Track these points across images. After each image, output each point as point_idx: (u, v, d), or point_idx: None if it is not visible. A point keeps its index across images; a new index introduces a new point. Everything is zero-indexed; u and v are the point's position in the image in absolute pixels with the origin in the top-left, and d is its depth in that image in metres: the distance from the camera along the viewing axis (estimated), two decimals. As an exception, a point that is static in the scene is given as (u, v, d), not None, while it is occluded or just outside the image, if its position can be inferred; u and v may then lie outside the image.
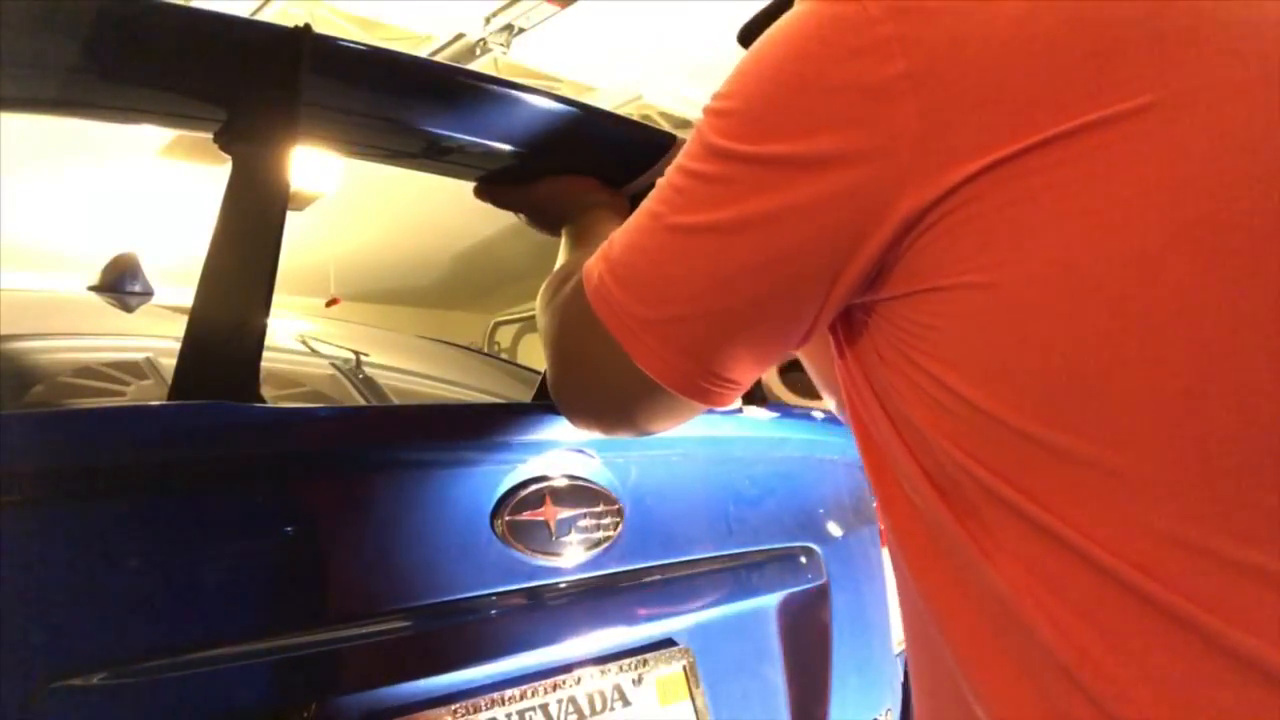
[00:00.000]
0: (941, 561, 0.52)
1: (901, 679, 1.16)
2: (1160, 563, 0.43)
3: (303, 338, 1.38)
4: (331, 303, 4.87)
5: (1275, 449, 0.42)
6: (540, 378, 0.99)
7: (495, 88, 0.93)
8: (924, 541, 0.53)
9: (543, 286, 0.74)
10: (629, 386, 0.59)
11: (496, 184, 1.00)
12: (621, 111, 1.68)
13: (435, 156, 0.96)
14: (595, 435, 0.79)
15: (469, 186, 1.02)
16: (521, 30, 3.76)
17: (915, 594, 0.54)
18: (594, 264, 0.60)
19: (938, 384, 0.48)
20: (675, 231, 0.54)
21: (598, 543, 0.85)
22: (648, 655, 0.87)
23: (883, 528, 0.55)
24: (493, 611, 0.79)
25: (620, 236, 0.59)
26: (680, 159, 0.55)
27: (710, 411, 0.63)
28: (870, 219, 0.47)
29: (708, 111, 0.54)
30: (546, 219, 0.98)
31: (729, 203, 0.51)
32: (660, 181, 0.57)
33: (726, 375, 0.57)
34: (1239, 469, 0.42)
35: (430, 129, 0.95)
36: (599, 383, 0.62)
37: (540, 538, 0.80)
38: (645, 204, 0.57)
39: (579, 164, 0.97)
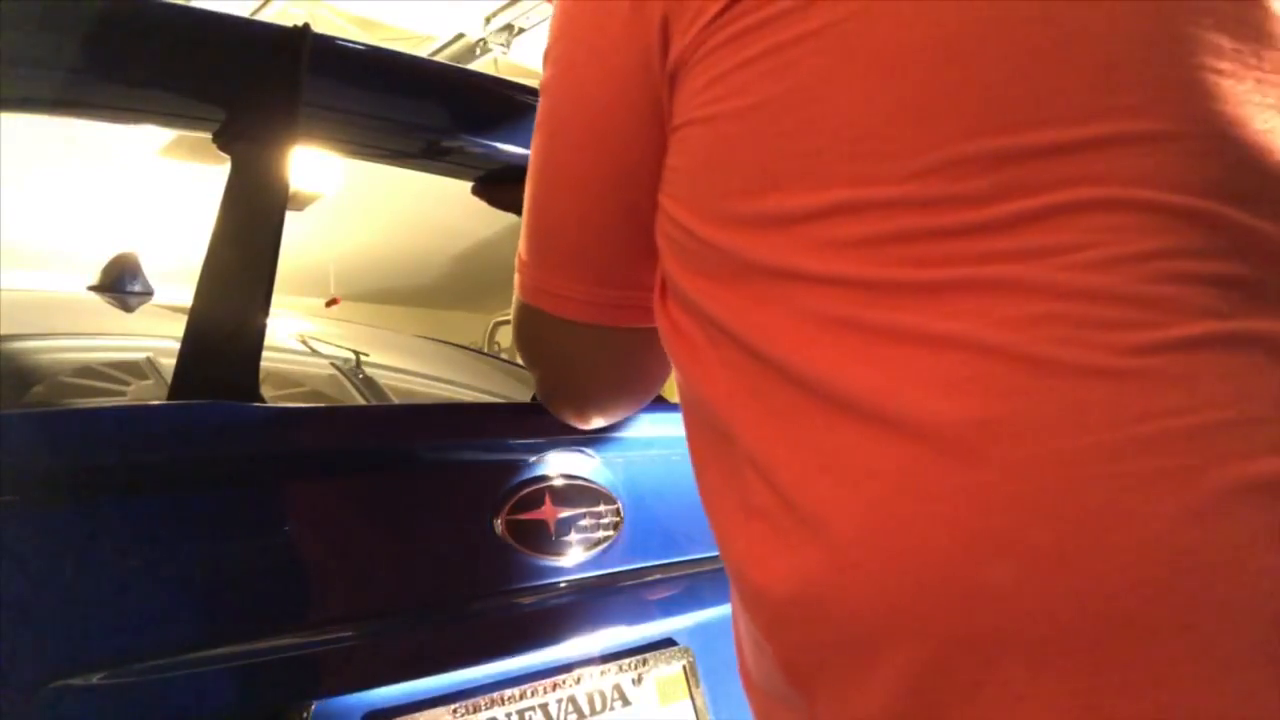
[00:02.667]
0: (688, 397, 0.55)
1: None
2: (810, 346, 0.45)
3: (303, 338, 1.38)
4: (331, 303, 4.87)
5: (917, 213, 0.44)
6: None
7: (495, 88, 0.93)
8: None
9: None
10: (581, 350, 0.62)
11: (494, 184, 1.00)
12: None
13: (435, 156, 0.96)
14: (597, 425, 0.78)
15: (469, 186, 1.02)
16: (521, 30, 3.76)
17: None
18: (517, 267, 0.63)
19: (666, 215, 0.53)
20: (530, 170, 0.60)
21: (598, 542, 0.85)
22: (648, 655, 0.87)
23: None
24: (492, 611, 0.79)
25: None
26: None
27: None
28: (649, 71, 0.52)
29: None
30: None
31: (547, 109, 0.58)
32: None
33: (635, 279, 0.59)
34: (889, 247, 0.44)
35: (430, 129, 0.95)
36: (561, 364, 0.65)
37: (540, 538, 0.80)
38: None
39: None
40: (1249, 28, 0.46)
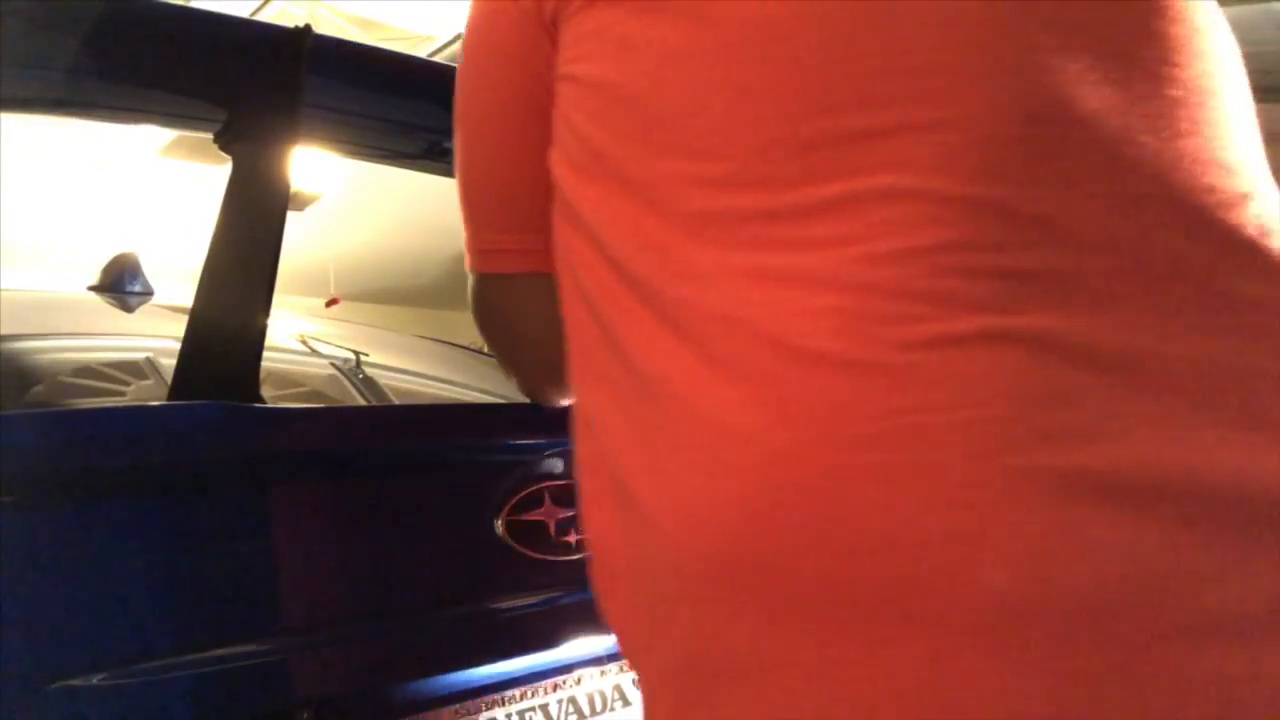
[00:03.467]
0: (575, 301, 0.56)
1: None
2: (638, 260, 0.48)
3: (303, 338, 1.38)
4: (331, 303, 4.86)
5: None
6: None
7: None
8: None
9: None
10: (527, 305, 0.62)
11: None
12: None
13: (435, 156, 0.96)
14: (566, 397, 0.78)
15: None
16: (521, 30, 3.76)
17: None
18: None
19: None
20: (454, 140, 0.62)
21: (598, 543, 0.85)
22: (648, 655, 0.87)
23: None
24: (493, 611, 0.79)
25: None
26: None
27: None
28: (533, 16, 0.54)
29: None
30: None
31: (459, 72, 0.60)
32: None
33: (537, 223, 0.60)
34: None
35: (430, 129, 0.95)
36: (517, 329, 0.66)
37: (540, 538, 0.80)
38: None
39: None
40: (1087, 7, 0.46)
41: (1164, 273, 0.42)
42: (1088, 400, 0.40)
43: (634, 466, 0.47)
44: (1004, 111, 0.43)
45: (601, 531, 0.52)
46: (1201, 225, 0.43)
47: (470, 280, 0.65)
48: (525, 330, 0.66)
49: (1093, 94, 0.44)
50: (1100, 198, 0.43)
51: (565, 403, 0.75)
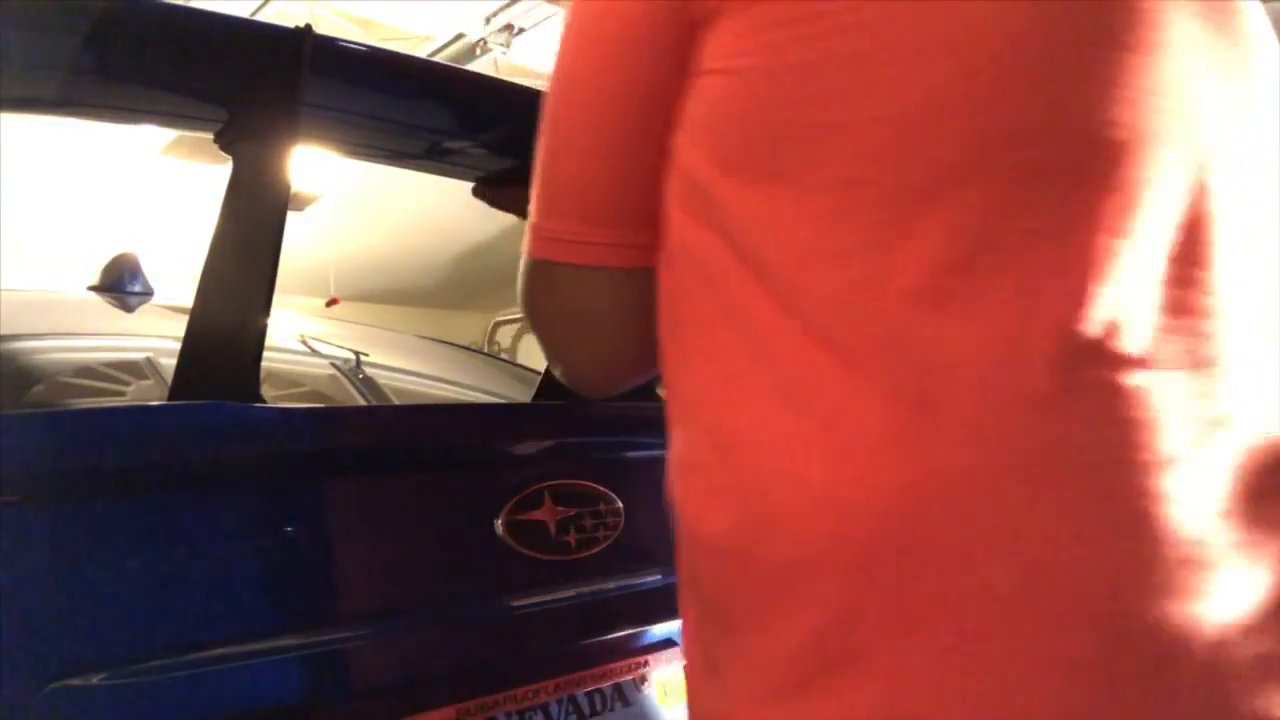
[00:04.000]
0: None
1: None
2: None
3: (303, 338, 1.38)
4: (331, 303, 4.86)
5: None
6: (540, 378, 0.99)
7: (495, 88, 0.93)
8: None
9: None
10: (597, 297, 0.62)
11: (495, 185, 1.00)
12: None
13: (435, 156, 0.96)
14: (614, 388, 0.78)
15: (469, 186, 1.02)
16: (521, 30, 3.76)
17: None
18: (527, 230, 0.63)
19: (682, 164, 0.54)
20: (545, 124, 0.60)
21: (598, 542, 0.85)
22: (649, 655, 0.87)
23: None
24: (493, 612, 0.79)
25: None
26: None
27: None
28: (676, 12, 0.52)
29: None
30: None
31: (568, 55, 0.58)
32: None
33: (651, 220, 0.59)
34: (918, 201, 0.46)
35: (430, 129, 0.95)
36: (577, 318, 0.64)
37: (540, 538, 0.80)
38: None
39: None
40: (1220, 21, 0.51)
41: None
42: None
43: (774, 457, 0.48)
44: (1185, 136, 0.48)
45: (714, 522, 0.52)
46: None
47: (529, 264, 0.63)
48: (596, 322, 0.64)
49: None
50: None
51: (613, 392, 0.75)
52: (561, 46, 0.59)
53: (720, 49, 0.51)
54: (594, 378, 0.69)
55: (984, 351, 0.44)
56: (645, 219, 0.58)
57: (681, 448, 0.55)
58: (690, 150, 0.53)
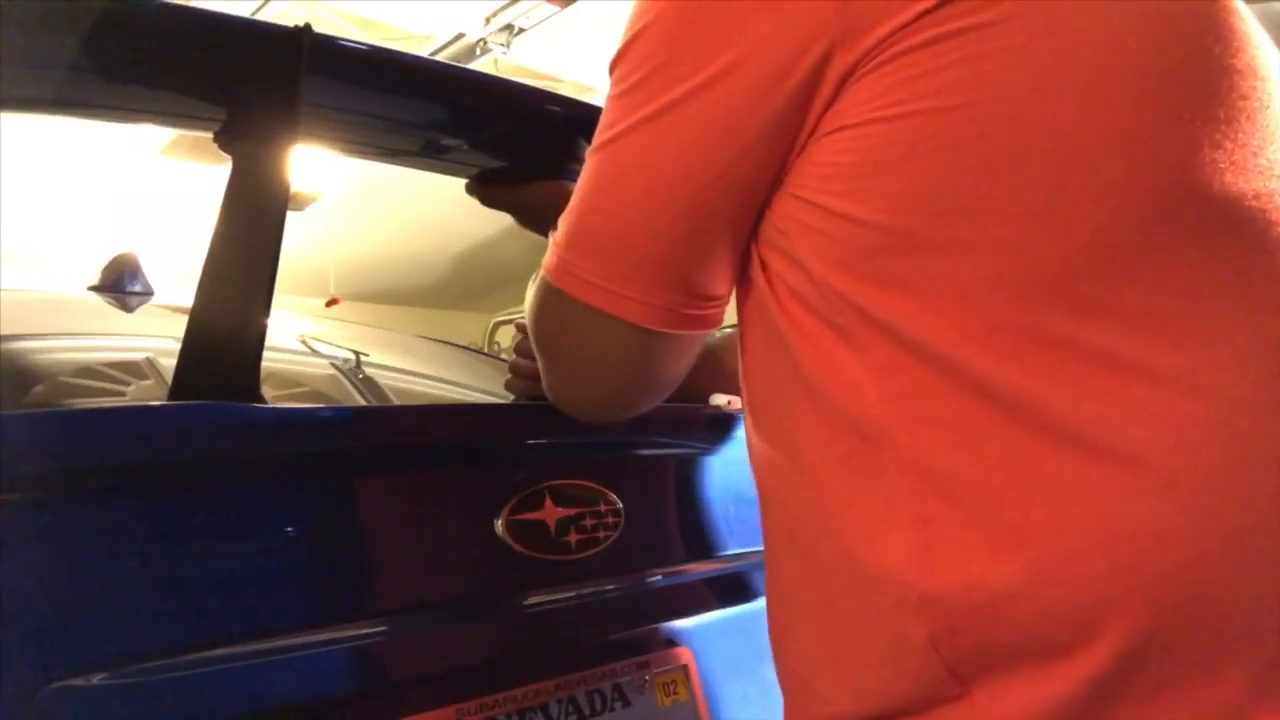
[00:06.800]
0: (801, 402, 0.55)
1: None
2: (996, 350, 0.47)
3: (303, 338, 1.38)
4: (331, 303, 4.86)
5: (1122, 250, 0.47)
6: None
7: (495, 87, 0.93)
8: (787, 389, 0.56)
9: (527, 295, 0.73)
10: (624, 349, 0.59)
11: (488, 183, 0.99)
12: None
13: (435, 156, 0.96)
14: (608, 420, 0.77)
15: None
16: (521, 30, 3.77)
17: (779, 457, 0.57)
18: (550, 251, 0.60)
19: (824, 212, 0.52)
20: (602, 149, 0.56)
21: (598, 543, 0.84)
22: (648, 655, 0.87)
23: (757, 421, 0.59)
24: (492, 612, 0.79)
25: (567, 212, 0.59)
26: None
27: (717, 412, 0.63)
28: (798, 73, 0.50)
29: (617, 55, 0.56)
30: (536, 220, 0.97)
31: (652, 96, 0.53)
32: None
33: (710, 292, 0.58)
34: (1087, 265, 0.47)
35: (430, 129, 0.95)
36: (595, 360, 0.62)
37: (540, 538, 0.80)
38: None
39: (571, 165, 0.97)
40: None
41: None
42: None
43: (1010, 513, 0.47)
44: None
45: (924, 573, 0.49)
46: None
47: (549, 289, 0.60)
48: (606, 365, 0.62)
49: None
50: None
51: (593, 420, 0.74)
52: (642, 98, 0.54)
53: (870, 100, 0.49)
54: (581, 407, 0.68)
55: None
56: (704, 289, 0.57)
57: (874, 492, 0.51)
58: (824, 198, 0.52)
